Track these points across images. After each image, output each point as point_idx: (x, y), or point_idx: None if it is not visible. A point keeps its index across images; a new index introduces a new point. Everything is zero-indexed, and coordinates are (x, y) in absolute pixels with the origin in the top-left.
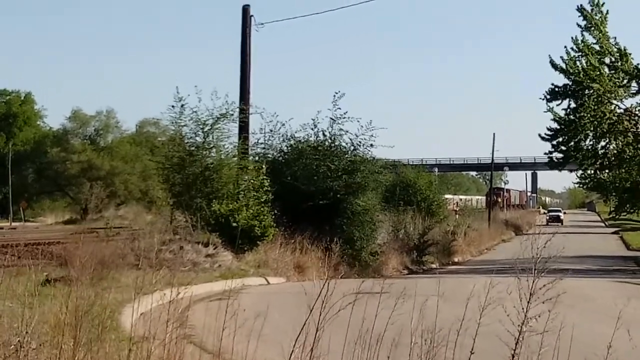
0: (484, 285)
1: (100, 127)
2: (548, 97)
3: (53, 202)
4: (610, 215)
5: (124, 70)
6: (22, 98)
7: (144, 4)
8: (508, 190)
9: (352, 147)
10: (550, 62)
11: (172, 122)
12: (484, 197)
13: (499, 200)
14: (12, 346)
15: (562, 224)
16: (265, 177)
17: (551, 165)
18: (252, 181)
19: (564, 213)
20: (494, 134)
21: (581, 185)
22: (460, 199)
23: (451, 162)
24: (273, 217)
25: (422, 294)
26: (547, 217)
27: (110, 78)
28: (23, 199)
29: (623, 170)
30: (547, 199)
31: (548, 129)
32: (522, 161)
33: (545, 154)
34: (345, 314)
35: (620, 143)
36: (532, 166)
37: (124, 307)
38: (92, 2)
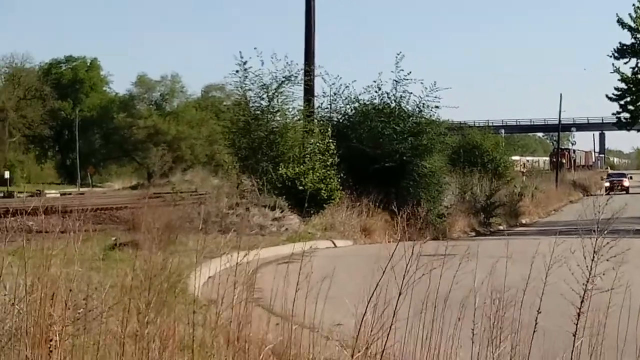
0: (548, 245)
1: (165, 92)
2: (616, 55)
3: (120, 168)
4: None
5: (187, 34)
6: (88, 64)
7: None
8: (574, 151)
9: (417, 109)
10: (617, 20)
11: (237, 87)
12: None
13: (564, 161)
14: (81, 310)
15: (627, 191)
16: (330, 140)
17: (619, 125)
18: (317, 144)
19: (630, 177)
20: (560, 94)
21: None
22: (527, 160)
23: (518, 124)
24: (339, 180)
25: (489, 255)
26: (607, 184)
27: (174, 43)
28: (90, 165)
29: None
30: (615, 160)
31: (616, 89)
32: (590, 122)
33: (613, 114)
34: (413, 275)
35: None
36: (600, 126)
37: (191, 271)
38: None
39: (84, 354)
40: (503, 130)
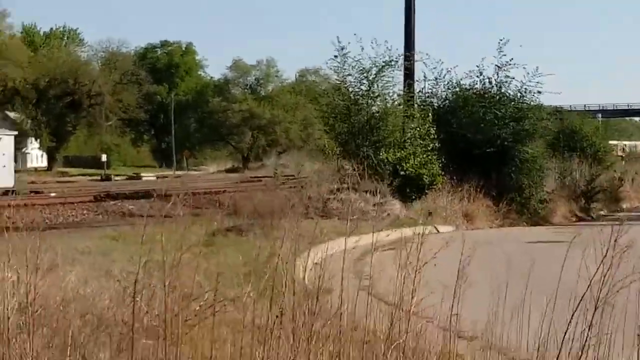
0: None
1: (260, 76)
2: None
3: (215, 151)
4: None
5: (282, 20)
6: (184, 49)
7: None
8: None
9: (518, 94)
10: None
11: (336, 72)
12: None
13: None
14: (194, 298)
15: None
16: (431, 125)
17: None
18: (418, 129)
19: None
20: None
21: None
22: (625, 145)
23: (615, 108)
24: (440, 165)
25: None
26: None
27: (270, 28)
28: (186, 148)
29: None
30: None
31: None
32: None
33: None
34: (528, 265)
35: None
36: None
37: (297, 258)
38: None
39: (199, 345)
40: (600, 115)
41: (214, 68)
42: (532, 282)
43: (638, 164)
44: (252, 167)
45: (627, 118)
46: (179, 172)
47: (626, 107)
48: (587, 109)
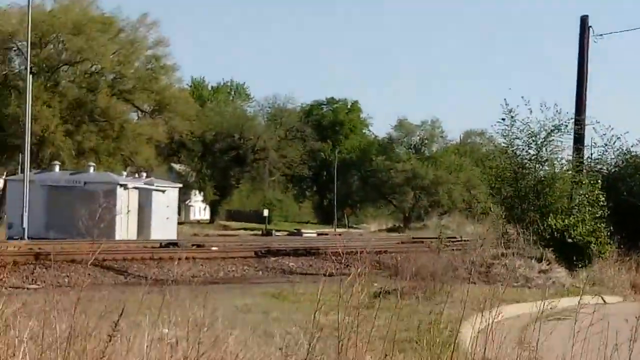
0: None
1: (425, 136)
2: None
3: (376, 210)
4: None
5: (448, 81)
6: (349, 106)
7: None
8: None
9: None
10: None
11: (503, 135)
12: None
13: None
14: None
15: None
16: (600, 192)
17: None
18: (587, 196)
19: None
20: None
21: None
22: None
23: None
24: (607, 233)
25: None
26: None
27: (436, 89)
28: (347, 206)
29: None
30: None
31: None
32: None
33: None
34: None
35: None
36: None
37: (461, 325)
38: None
39: None
40: None
41: (378, 126)
42: None
43: None
44: (413, 227)
45: None
46: (339, 229)
47: None
48: None
